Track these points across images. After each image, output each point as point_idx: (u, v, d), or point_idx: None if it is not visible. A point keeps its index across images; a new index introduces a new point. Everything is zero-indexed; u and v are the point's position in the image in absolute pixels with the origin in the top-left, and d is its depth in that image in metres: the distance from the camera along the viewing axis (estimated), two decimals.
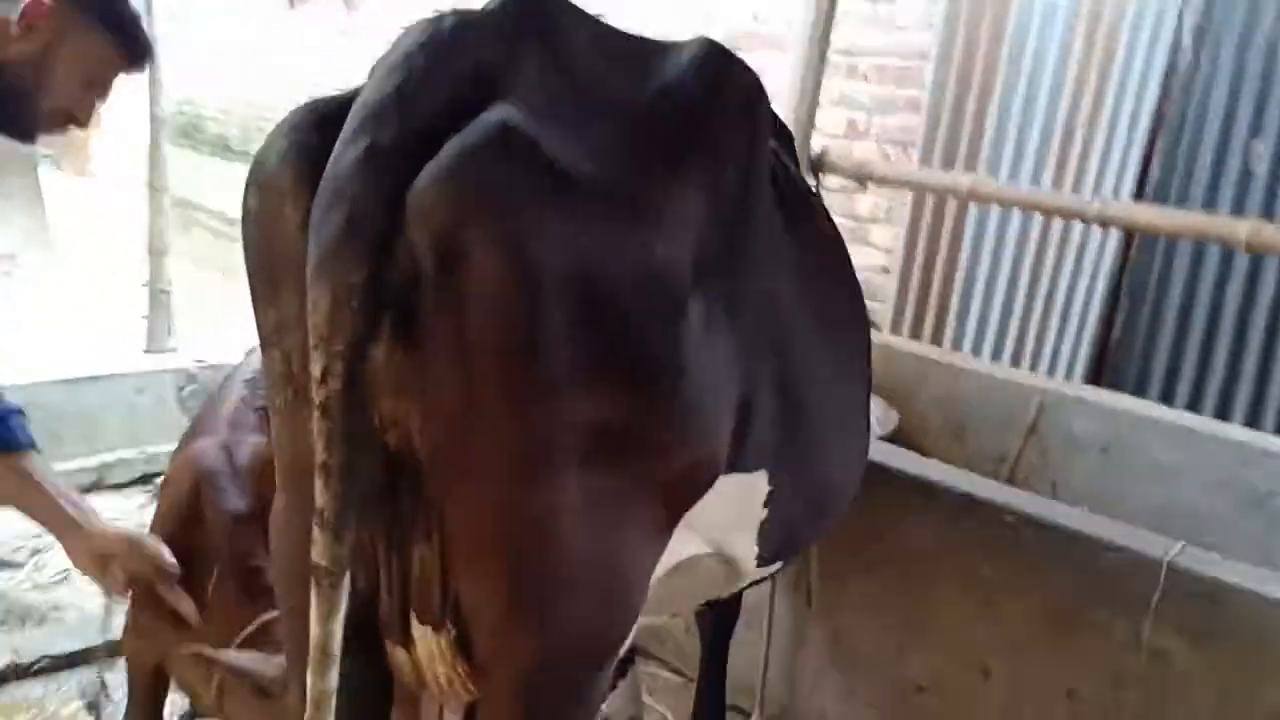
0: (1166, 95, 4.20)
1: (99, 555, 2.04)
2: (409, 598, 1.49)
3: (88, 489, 4.83)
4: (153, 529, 2.22)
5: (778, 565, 2.07)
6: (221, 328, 6.29)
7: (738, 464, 1.67)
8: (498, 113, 1.30)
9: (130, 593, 2.11)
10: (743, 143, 1.58)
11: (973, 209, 4.42)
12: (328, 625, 1.33)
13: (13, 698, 3.04)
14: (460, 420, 1.34)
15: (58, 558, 4.27)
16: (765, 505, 1.83)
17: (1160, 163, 4.25)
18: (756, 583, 2.19)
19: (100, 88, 2.10)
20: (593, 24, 1.55)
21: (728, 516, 1.76)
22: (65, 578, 4.16)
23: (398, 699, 1.65)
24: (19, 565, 4.28)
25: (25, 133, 2.10)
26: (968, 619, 2.76)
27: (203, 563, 2.10)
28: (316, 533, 1.30)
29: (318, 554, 1.30)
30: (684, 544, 1.71)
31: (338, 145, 1.28)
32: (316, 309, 1.24)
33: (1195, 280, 4.20)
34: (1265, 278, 4.07)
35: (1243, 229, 3.21)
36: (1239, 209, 4.04)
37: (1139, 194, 4.25)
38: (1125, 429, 3.60)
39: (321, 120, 1.36)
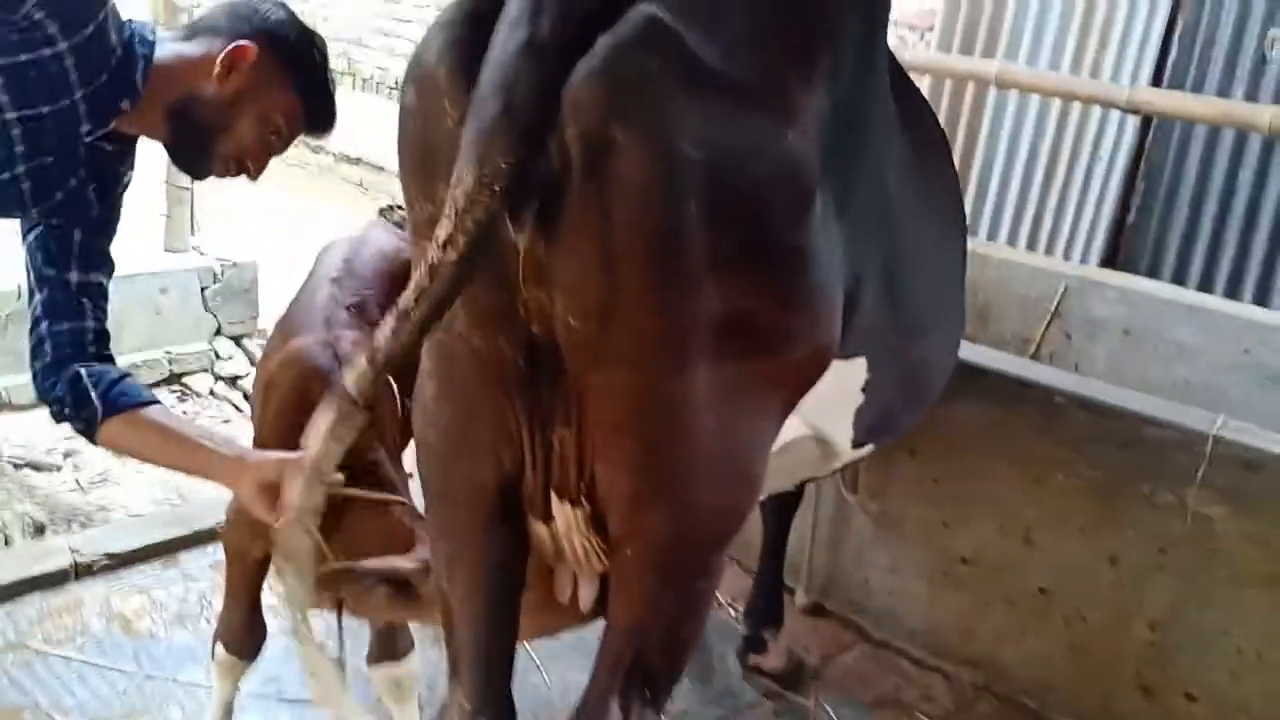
0: None
1: (267, 486, 1.92)
2: (551, 476, 1.57)
3: None
4: (260, 436, 2.24)
5: (870, 447, 2.17)
6: (238, 224, 6.30)
7: (841, 350, 1.72)
8: (645, 8, 1.33)
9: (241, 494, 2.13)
10: (863, 31, 1.62)
11: (990, 94, 4.46)
12: (337, 440, 1.49)
13: (77, 596, 3.11)
14: (601, 310, 1.39)
15: (95, 456, 4.33)
16: (863, 390, 1.91)
17: (1177, 50, 4.30)
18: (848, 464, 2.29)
19: (280, 144, 2.10)
20: None
21: (829, 400, 1.83)
22: (104, 478, 4.23)
23: (536, 569, 1.74)
24: (56, 469, 4.34)
25: (199, 170, 2.09)
26: (1013, 495, 2.90)
27: None
28: (362, 363, 1.41)
29: (349, 380, 1.42)
30: (787, 427, 1.76)
31: (497, 35, 1.31)
32: (460, 182, 1.28)
33: (1209, 165, 4.29)
34: (1277, 161, 4.16)
35: (1265, 114, 3.30)
36: (1253, 96, 4.11)
37: (1156, 81, 4.30)
38: (1146, 311, 3.72)
39: (476, 14, 1.38)
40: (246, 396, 4.91)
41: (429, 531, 1.79)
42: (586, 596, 1.81)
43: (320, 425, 1.50)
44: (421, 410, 1.65)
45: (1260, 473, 2.51)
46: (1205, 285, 4.28)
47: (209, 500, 3.83)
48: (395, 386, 2.13)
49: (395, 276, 2.51)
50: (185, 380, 4.98)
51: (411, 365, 1.61)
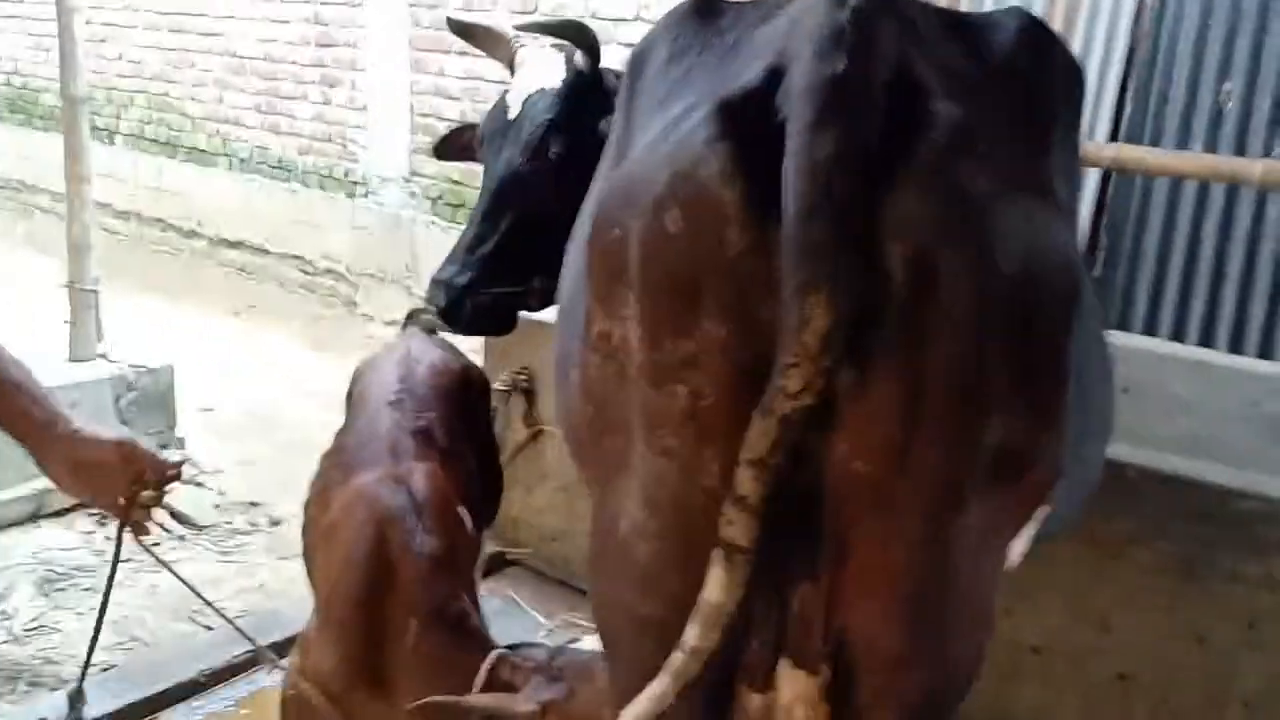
0: (1137, 38, 4.28)
1: (81, 465, 1.56)
2: (783, 640, 1.38)
3: (24, 521, 4.38)
4: (327, 589, 1.96)
5: None
6: (136, 327, 5.83)
7: None
8: (948, 107, 1.20)
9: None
10: (1075, 121, 1.52)
11: None
12: (732, 594, 1.27)
13: None
14: (898, 449, 1.25)
15: (22, 600, 3.86)
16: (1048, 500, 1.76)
17: (1132, 105, 4.34)
18: None
19: None
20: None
21: None
22: (38, 624, 3.75)
23: None
24: None
25: None
26: (1084, 577, 2.77)
27: (397, 615, 1.89)
28: (735, 514, 1.24)
29: (735, 534, 1.25)
30: None
31: (799, 137, 1.14)
32: (809, 325, 1.14)
33: (1173, 216, 4.32)
34: (1241, 210, 4.21)
35: (1257, 168, 3.30)
36: (1211, 149, 4.17)
37: (1113, 136, 4.33)
38: (1142, 368, 3.68)
39: (743, 120, 1.21)
40: (173, 514, 4.49)
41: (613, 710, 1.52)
42: None
43: (712, 583, 1.29)
44: (630, 579, 1.42)
45: None
46: (1177, 336, 4.29)
47: (178, 642, 3.46)
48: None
49: (451, 394, 2.28)
50: None
51: None
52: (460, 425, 2.24)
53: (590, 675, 1.75)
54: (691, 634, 1.29)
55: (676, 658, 1.30)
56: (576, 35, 2.58)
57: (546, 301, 2.64)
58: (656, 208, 1.24)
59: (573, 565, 3.81)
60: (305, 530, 2.17)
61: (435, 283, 2.54)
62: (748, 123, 1.21)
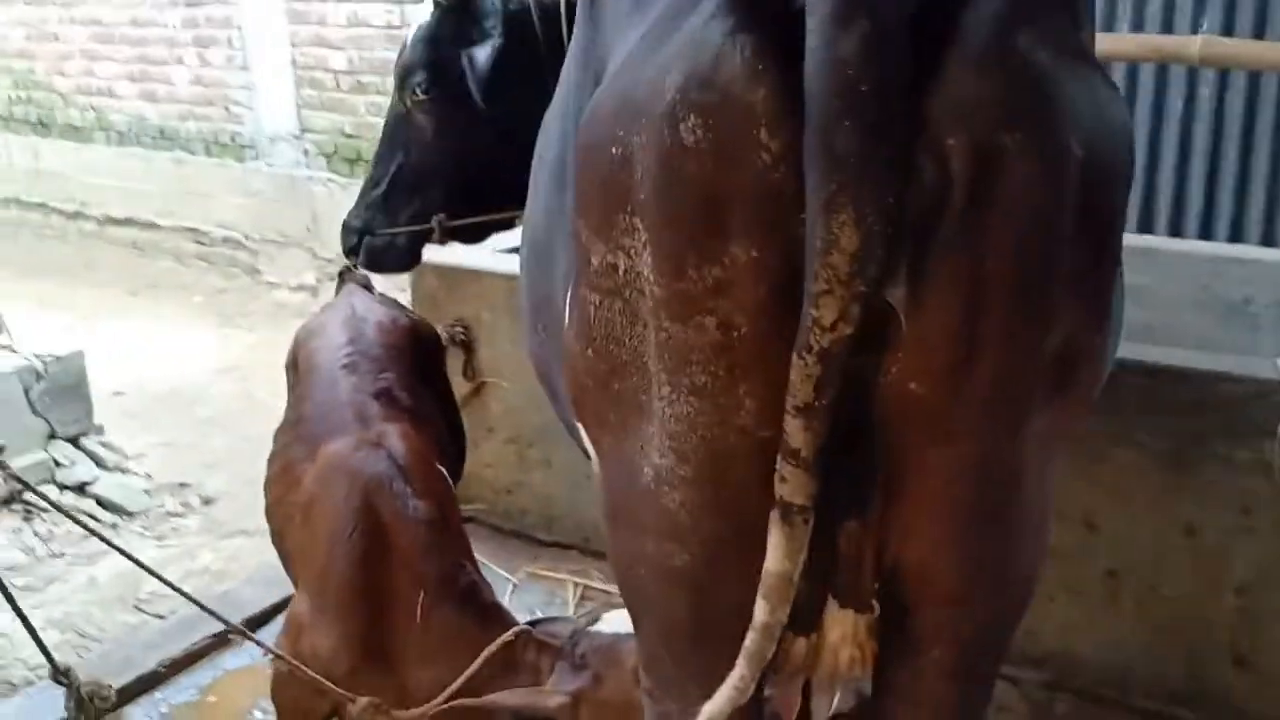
0: None
1: None
2: (831, 580, 1.27)
3: None
4: (315, 567, 1.78)
5: None
6: (34, 316, 5.48)
7: None
8: None
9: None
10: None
11: None
12: (795, 560, 1.16)
13: None
14: (956, 366, 1.11)
15: None
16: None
17: None
18: None
19: None
20: None
21: None
22: None
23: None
24: None
25: None
26: (1067, 478, 2.69)
27: (401, 588, 1.74)
28: (789, 471, 1.12)
29: (791, 492, 1.13)
30: None
31: (820, 32, 0.98)
32: (836, 246, 1.00)
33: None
34: (1170, 96, 4.17)
35: (1195, 45, 3.23)
36: (1139, 28, 4.11)
37: None
38: None
39: (761, 7, 1.04)
40: (101, 503, 4.27)
41: (657, 678, 1.38)
42: (822, 714, 1.48)
43: (773, 550, 1.17)
44: (659, 530, 1.27)
45: None
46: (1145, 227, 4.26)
47: (129, 634, 3.26)
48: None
49: (405, 351, 2.10)
50: (26, 497, 4.23)
51: None
52: (419, 383, 2.07)
53: (617, 659, 1.64)
54: (761, 610, 1.17)
55: (751, 639, 1.18)
56: None
57: (456, 236, 2.76)
58: (670, 118, 1.07)
59: (529, 517, 3.67)
60: (270, 512, 1.99)
61: (342, 227, 2.74)
62: (765, 10, 1.04)
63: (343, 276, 2.43)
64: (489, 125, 2.61)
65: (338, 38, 7.04)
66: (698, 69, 1.04)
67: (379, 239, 2.70)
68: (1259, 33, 3.94)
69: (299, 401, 2.02)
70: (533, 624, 1.79)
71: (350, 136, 7.22)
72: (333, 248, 7.27)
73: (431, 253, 3.65)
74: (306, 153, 7.50)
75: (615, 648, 1.64)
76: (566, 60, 1.72)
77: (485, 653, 1.65)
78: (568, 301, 1.34)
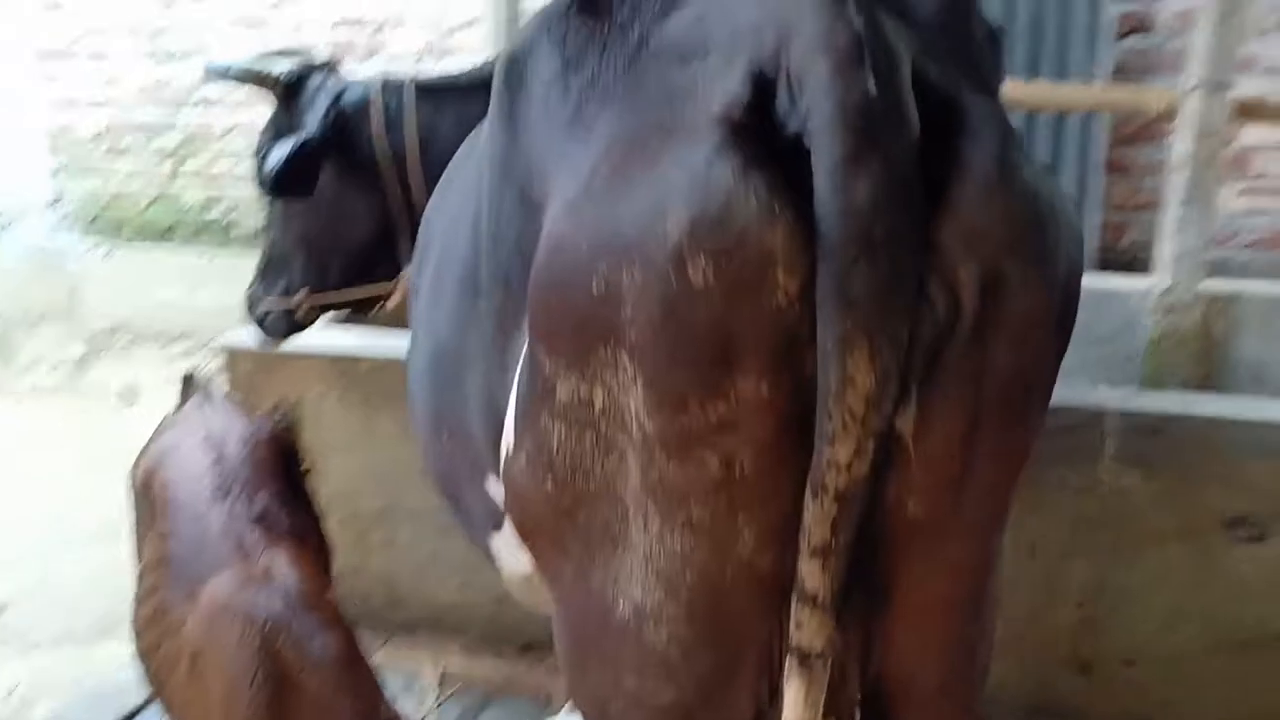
0: None
1: None
2: None
3: None
4: None
5: None
6: None
7: None
8: (985, 102, 1.09)
9: None
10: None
11: None
12: (818, 707, 1.15)
13: None
14: (959, 482, 1.15)
15: None
16: None
17: None
18: None
19: None
20: None
21: None
22: None
23: None
24: None
25: None
26: None
27: None
28: (806, 615, 1.12)
29: (810, 638, 1.12)
30: None
31: (831, 177, 0.99)
32: (852, 384, 1.00)
33: None
34: None
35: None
36: None
37: None
38: None
39: (758, 143, 1.02)
40: None
41: None
42: None
43: (792, 701, 1.15)
44: (640, 667, 1.23)
45: (1162, 435, 2.60)
46: None
47: None
48: None
49: (273, 465, 1.98)
50: None
51: None
52: (292, 496, 1.94)
53: None
54: None
55: None
56: (256, 81, 2.67)
57: (328, 310, 2.85)
58: (676, 260, 1.03)
59: (374, 600, 3.52)
60: (144, 656, 1.81)
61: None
62: (772, 146, 1.03)
63: (187, 383, 2.25)
64: (325, 209, 2.64)
65: (93, 96, 6.63)
66: (708, 210, 1.02)
67: (261, 308, 2.86)
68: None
69: (160, 538, 1.85)
70: None
71: (113, 199, 6.80)
72: (96, 322, 6.83)
73: (244, 337, 3.48)
74: (63, 220, 6.99)
75: None
76: (466, 157, 1.66)
77: None
78: (515, 426, 1.29)
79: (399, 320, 4.24)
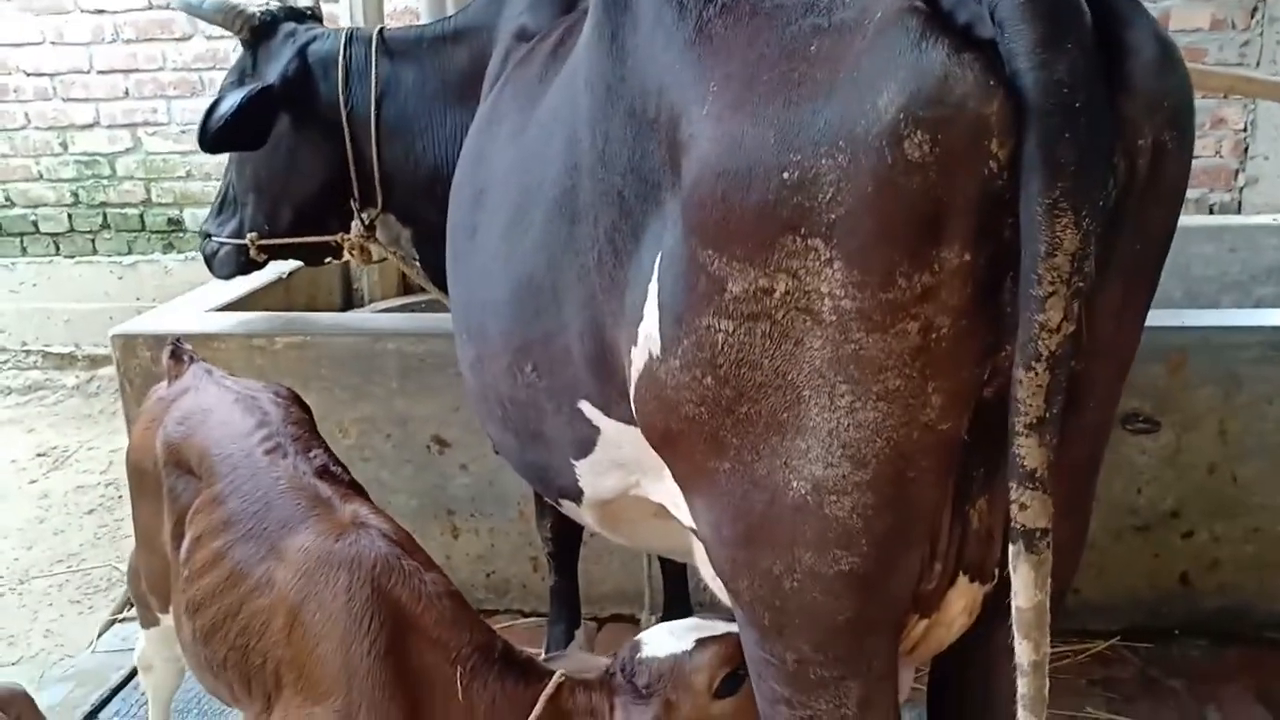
0: None
1: None
2: (961, 557, 1.35)
3: None
4: (326, 679, 1.60)
5: None
6: None
7: None
8: None
9: None
10: None
11: None
12: (1046, 588, 1.20)
13: None
14: (1108, 342, 1.25)
15: None
16: None
17: None
18: None
19: None
20: None
21: None
22: None
23: None
24: None
25: None
26: None
27: (433, 668, 1.63)
28: (1028, 495, 1.16)
29: (1034, 517, 1.16)
30: None
31: (1032, 56, 1.08)
32: (1060, 248, 1.08)
33: None
34: None
35: None
36: None
37: None
38: None
39: (970, 34, 1.11)
40: None
41: (802, 684, 1.40)
42: (905, 686, 1.59)
43: (1023, 584, 1.18)
44: (820, 540, 1.30)
45: None
46: None
47: None
48: None
49: (308, 422, 1.96)
50: None
51: None
52: (329, 452, 1.92)
53: (684, 679, 1.61)
54: (1027, 651, 1.20)
55: (1026, 684, 1.21)
56: (223, 21, 2.69)
57: (275, 255, 2.89)
58: (892, 136, 1.10)
59: None
60: (215, 626, 1.73)
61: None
62: (970, 34, 1.10)
63: (177, 355, 2.16)
64: (281, 157, 2.65)
65: None
66: (924, 87, 1.09)
67: (211, 244, 2.93)
68: None
69: (215, 503, 1.79)
70: (549, 660, 1.75)
71: None
72: None
73: (140, 323, 3.33)
74: None
75: (678, 668, 1.62)
76: (539, 87, 1.69)
77: (536, 710, 1.60)
78: (663, 332, 1.34)
79: (312, 300, 4.15)
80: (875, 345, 1.18)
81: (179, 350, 2.17)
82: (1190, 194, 4.97)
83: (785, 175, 1.17)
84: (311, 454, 1.84)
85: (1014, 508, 1.16)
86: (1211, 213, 5.31)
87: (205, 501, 1.80)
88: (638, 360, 1.41)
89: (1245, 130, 5.31)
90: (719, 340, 1.27)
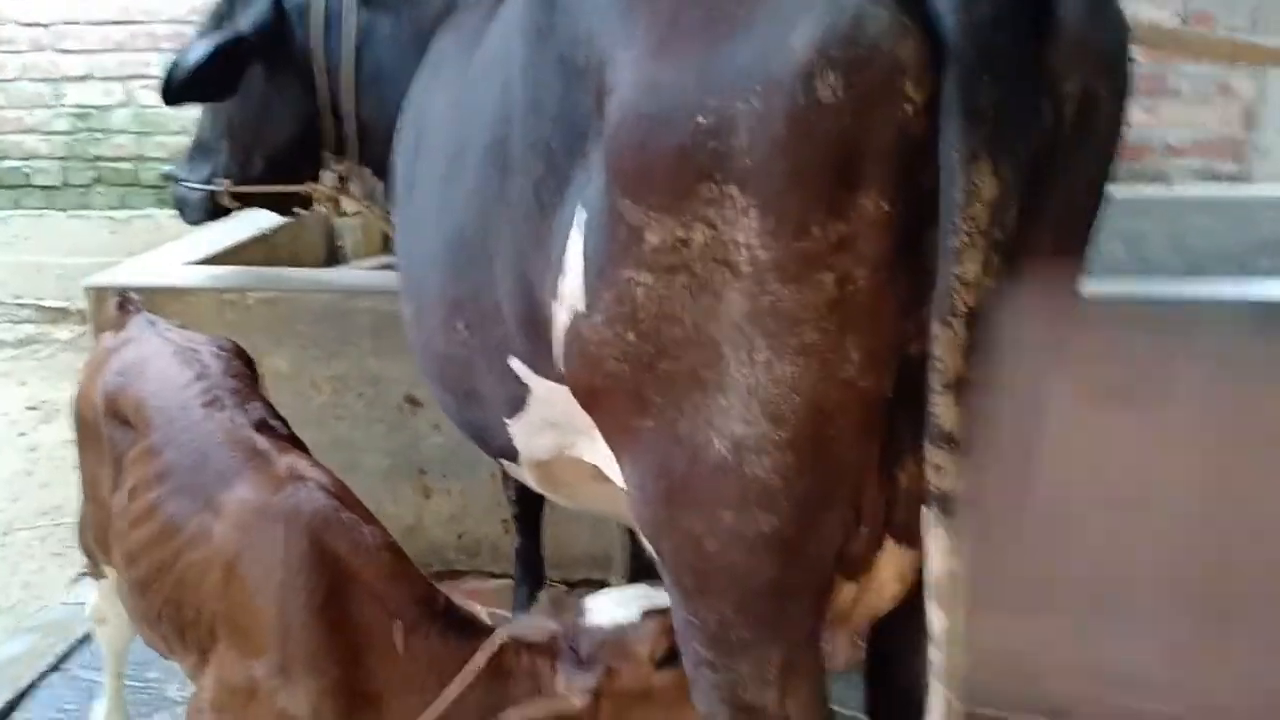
0: None
1: None
2: (889, 519, 1.32)
3: None
4: (265, 625, 1.60)
5: None
6: None
7: None
8: None
9: None
10: None
11: None
12: (961, 554, 1.16)
13: None
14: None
15: None
16: None
17: None
18: None
19: None
20: None
21: None
22: None
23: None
24: None
25: None
26: None
27: (372, 621, 1.61)
28: (943, 457, 1.13)
29: (950, 480, 1.13)
30: None
31: None
32: (978, 197, 1.04)
33: None
34: None
35: None
36: None
37: None
38: None
39: None
40: None
41: (724, 646, 1.37)
42: (843, 654, 1.57)
43: (937, 551, 1.15)
44: (741, 500, 1.26)
45: None
46: None
47: None
48: None
49: (247, 375, 1.93)
50: None
51: None
52: (269, 405, 1.90)
53: (625, 648, 1.59)
54: (940, 620, 1.16)
55: (939, 656, 1.17)
56: None
57: (246, 203, 2.86)
58: (804, 76, 1.06)
59: None
60: (148, 581, 1.71)
61: None
62: None
63: (124, 306, 2.14)
64: (254, 104, 2.62)
65: None
66: (838, 26, 1.05)
67: (181, 188, 2.91)
68: None
69: (149, 454, 1.76)
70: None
71: None
72: None
73: (113, 274, 3.30)
74: None
75: (621, 637, 1.59)
76: (455, 44, 1.65)
77: (471, 664, 1.57)
78: (586, 286, 1.30)
79: (294, 257, 4.12)
80: (791, 297, 1.14)
81: (125, 301, 2.14)
82: (1194, 165, 4.91)
83: (701, 119, 1.12)
84: (249, 407, 1.81)
85: (928, 469, 1.13)
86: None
87: (141, 452, 1.78)
88: (561, 316, 1.38)
89: (1256, 100, 5.20)
90: (639, 294, 1.23)
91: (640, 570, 2.95)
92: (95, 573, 2.23)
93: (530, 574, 2.80)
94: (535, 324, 1.48)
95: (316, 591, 1.59)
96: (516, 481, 2.70)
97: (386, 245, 4.36)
